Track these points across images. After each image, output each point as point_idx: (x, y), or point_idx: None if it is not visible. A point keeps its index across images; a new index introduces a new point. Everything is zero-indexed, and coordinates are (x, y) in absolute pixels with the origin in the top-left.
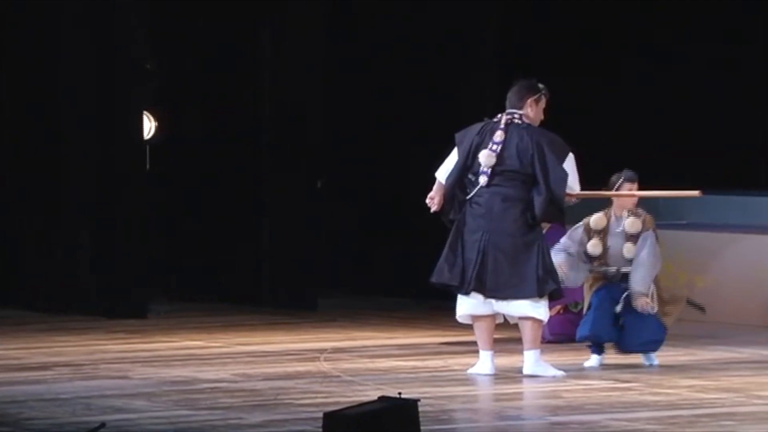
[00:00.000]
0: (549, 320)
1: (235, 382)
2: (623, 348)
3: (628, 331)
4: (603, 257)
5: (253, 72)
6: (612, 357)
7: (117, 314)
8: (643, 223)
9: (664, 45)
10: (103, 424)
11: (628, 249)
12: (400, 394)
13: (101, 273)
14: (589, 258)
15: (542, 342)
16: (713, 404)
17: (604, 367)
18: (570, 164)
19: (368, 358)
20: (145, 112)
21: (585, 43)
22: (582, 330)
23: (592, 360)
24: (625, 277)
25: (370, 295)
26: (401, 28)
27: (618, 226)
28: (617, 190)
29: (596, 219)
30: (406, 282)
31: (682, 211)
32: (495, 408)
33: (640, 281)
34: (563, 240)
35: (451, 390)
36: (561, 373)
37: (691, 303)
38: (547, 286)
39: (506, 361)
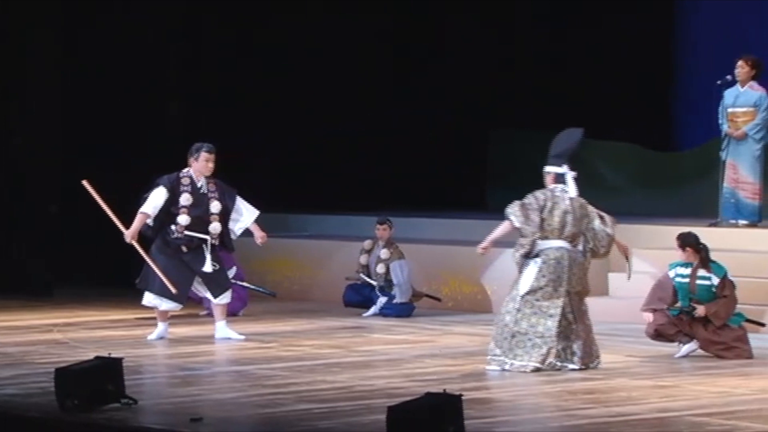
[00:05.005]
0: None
1: None
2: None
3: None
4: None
5: (2, 103)
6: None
7: None
8: None
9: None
10: None
11: None
12: (110, 354)
13: None
14: None
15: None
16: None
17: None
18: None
19: (89, 330)
20: None
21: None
22: None
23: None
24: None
25: (97, 286)
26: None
27: None
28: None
29: None
30: (120, 273)
31: (306, 223)
32: (180, 364)
33: None
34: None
35: (147, 351)
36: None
37: (428, 296)
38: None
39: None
